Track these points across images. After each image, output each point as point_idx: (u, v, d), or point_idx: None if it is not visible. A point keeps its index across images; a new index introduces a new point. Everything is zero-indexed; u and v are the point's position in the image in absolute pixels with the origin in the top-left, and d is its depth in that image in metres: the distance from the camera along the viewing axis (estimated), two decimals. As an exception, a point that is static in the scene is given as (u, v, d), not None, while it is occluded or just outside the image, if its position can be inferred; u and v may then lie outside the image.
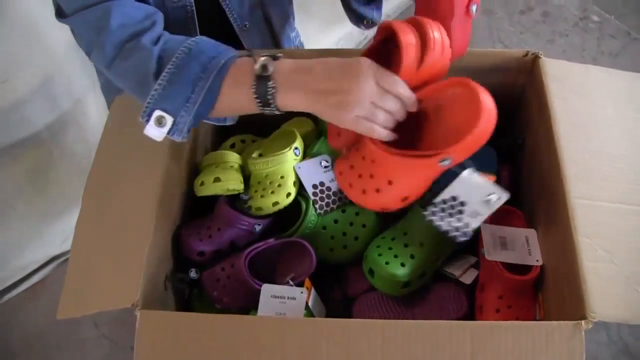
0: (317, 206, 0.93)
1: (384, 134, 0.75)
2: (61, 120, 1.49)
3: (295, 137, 0.97)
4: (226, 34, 1.05)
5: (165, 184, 0.87)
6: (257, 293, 0.85)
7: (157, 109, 0.75)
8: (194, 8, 0.95)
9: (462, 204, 0.81)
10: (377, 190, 0.79)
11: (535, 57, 0.94)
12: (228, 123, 0.93)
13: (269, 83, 0.73)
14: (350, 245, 0.94)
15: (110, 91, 1.10)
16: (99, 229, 0.87)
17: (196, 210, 1.00)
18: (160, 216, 0.85)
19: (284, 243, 0.92)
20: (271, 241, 0.91)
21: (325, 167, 0.95)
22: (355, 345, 0.71)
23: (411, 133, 0.79)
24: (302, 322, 0.76)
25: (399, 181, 0.78)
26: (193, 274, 0.90)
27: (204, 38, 0.79)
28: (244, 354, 0.72)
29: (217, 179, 0.92)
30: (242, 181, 0.95)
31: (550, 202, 0.84)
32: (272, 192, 0.91)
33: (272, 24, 1.11)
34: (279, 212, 0.93)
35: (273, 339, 0.73)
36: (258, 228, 0.92)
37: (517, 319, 0.85)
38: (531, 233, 0.88)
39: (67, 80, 1.43)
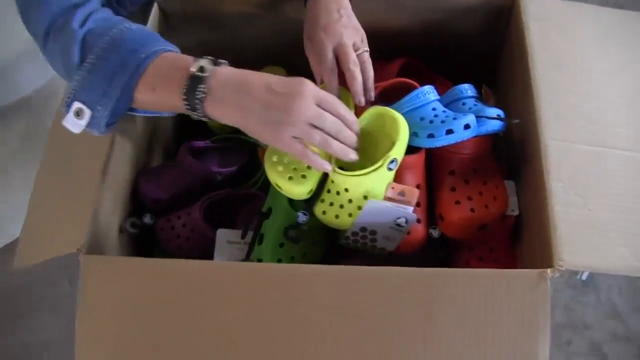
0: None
1: (319, 163, 0.69)
2: (52, 84, 1.47)
3: None
4: None
5: (124, 130, 0.83)
6: (214, 242, 0.81)
7: (76, 100, 0.69)
8: None
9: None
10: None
11: (514, -4, 0.87)
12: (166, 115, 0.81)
13: (201, 86, 0.66)
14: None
15: None
16: (58, 177, 0.84)
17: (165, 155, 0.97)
18: (117, 160, 0.81)
19: (244, 195, 0.88)
20: (229, 191, 0.87)
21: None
22: (305, 290, 0.67)
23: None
24: (249, 267, 0.71)
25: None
26: (147, 219, 0.86)
27: (134, 26, 0.72)
28: (191, 300, 0.68)
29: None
30: None
31: (525, 145, 0.79)
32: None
33: None
34: (242, 164, 0.89)
35: (220, 283, 0.68)
36: (220, 177, 0.88)
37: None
38: (509, 185, 0.82)
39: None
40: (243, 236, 0.82)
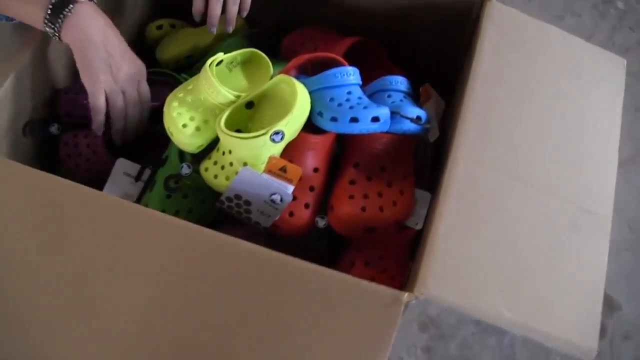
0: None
1: (96, 123, 0.77)
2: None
3: None
4: None
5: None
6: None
7: None
8: None
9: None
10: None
11: (483, 1, 0.80)
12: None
13: (70, 6, 0.70)
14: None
15: None
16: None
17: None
18: (37, 66, 0.79)
19: (155, 132, 0.84)
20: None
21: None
22: (152, 240, 0.63)
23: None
24: (121, 205, 0.66)
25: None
26: (54, 129, 0.84)
27: None
28: (51, 221, 0.65)
29: None
30: None
31: (440, 161, 0.73)
32: None
33: None
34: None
35: (81, 211, 0.65)
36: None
37: (372, 279, 0.74)
38: (423, 196, 0.77)
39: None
40: (137, 178, 0.79)
